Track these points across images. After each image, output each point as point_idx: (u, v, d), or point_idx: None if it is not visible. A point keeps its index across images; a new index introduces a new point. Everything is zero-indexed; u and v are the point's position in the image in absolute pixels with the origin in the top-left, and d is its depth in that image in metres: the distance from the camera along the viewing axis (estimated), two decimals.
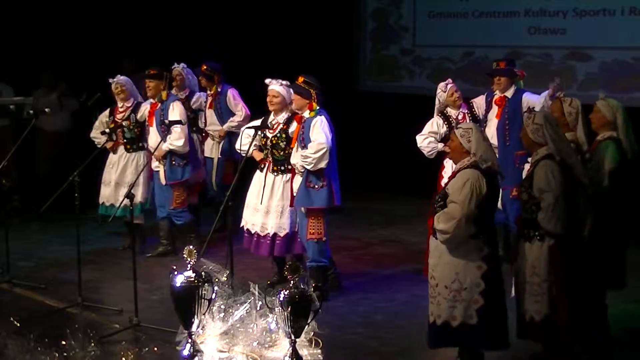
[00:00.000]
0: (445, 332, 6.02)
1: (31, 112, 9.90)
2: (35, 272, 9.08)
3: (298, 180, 7.91)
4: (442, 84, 8.74)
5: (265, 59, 12.25)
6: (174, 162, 9.35)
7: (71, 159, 11.87)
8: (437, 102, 8.74)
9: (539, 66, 11.40)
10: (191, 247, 5.17)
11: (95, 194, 9.71)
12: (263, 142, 8.14)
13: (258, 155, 8.19)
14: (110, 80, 9.74)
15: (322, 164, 7.73)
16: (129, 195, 7.43)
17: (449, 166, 8.56)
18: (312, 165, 7.73)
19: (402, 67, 12.98)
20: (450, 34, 12.32)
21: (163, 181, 9.39)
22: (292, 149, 7.98)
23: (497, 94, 8.79)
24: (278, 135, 8.06)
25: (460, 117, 8.65)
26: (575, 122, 6.69)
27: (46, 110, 9.77)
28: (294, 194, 7.93)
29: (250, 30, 12.96)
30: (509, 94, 8.77)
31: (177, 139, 9.18)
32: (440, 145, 8.60)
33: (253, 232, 8.17)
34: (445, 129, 8.63)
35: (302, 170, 7.83)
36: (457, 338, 6.01)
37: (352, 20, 13.52)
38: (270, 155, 8.12)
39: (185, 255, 5.09)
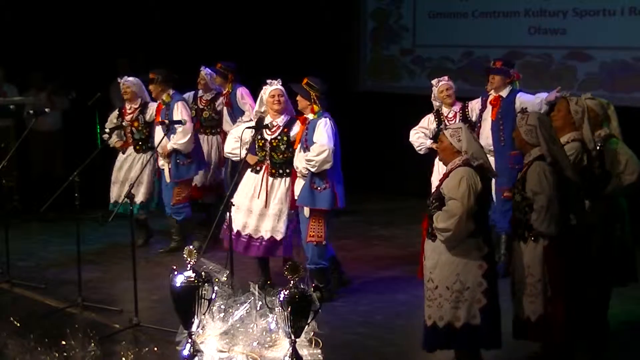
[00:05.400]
0: (447, 334, 5.99)
1: (31, 112, 9.90)
2: (35, 272, 9.09)
3: (300, 183, 7.86)
4: (435, 80, 8.83)
5: (265, 59, 12.24)
6: (178, 161, 9.43)
7: (65, 158, 11.93)
8: (432, 97, 8.85)
9: (539, 66, 11.41)
10: (191, 247, 5.17)
11: (95, 194, 9.74)
12: (261, 144, 8.07)
13: (252, 159, 8.12)
14: (119, 80, 9.80)
15: (327, 166, 7.68)
16: (129, 195, 7.44)
17: (439, 168, 8.61)
18: (316, 167, 7.67)
19: (402, 67, 12.98)
20: (450, 34, 12.32)
21: (168, 179, 9.47)
22: (291, 152, 7.93)
23: (492, 94, 8.79)
24: (279, 137, 8.01)
25: (451, 115, 8.72)
26: (581, 121, 6.72)
27: (46, 110, 9.80)
28: (295, 197, 7.88)
29: (250, 30, 12.96)
30: (504, 94, 8.74)
31: (180, 138, 9.26)
32: (429, 142, 8.71)
33: (245, 233, 8.10)
34: (435, 125, 8.71)
35: (306, 174, 7.78)
36: (459, 339, 5.99)
37: (352, 20, 13.52)
38: (268, 158, 8.05)
39: (185, 255, 5.09)
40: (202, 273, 5.08)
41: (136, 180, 8.79)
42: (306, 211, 7.84)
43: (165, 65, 10.01)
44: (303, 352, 5.02)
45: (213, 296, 5.08)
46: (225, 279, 5.28)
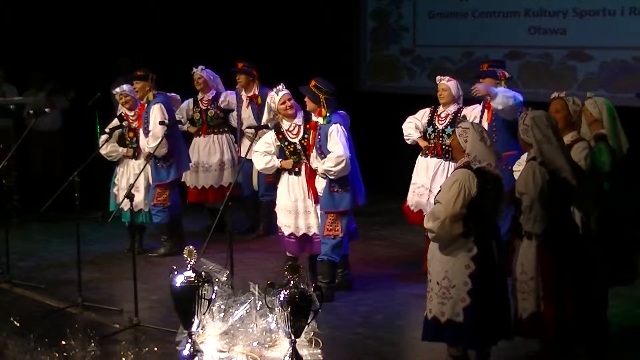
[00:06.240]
0: (435, 327, 6.09)
1: (31, 112, 9.89)
2: (35, 272, 9.09)
3: (321, 181, 7.97)
4: (438, 77, 8.87)
5: (265, 59, 12.23)
6: (158, 164, 9.33)
7: (64, 158, 11.93)
8: None
9: (539, 66, 11.40)
10: (191, 246, 5.17)
11: (95, 194, 9.72)
12: (291, 149, 8.10)
13: (288, 164, 8.12)
14: (114, 92, 9.70)
15: (345, 173, 7.81)
16: (129, 196, 7.43)
17: (419, 164, 8.75)
18: (335, 176, 7.80)
19: (402, 67, 12.98)
20: (450, 34, 12.32)
21: (151, 182, 9.40)
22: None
23: (488, 98, 8.78)
24: (306, 136, 8.06)
25: (443, 115, 8.69)
26: (579, 120, 6.72)
27: (46, 110, 9.78)
28: (319, 192, 7.99)
29: (249, 30, 12.96)
30: None
31: (150, 142, 9.09)
32: (416, 136, 8.74)
33: (299, 234, 8.14)
34: (425, 120, 8.74)
35: (324, 177, 7.89)
36: (446, 334, 6.07)
37: (352, 20, 13.52)
38: (304, 158, 8.09)
39: (185, 255, 5.09)
40: (202, 273, 5.08)
41: (135, 181, 8.76)
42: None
43: (165, 66, 10.00)
44: (303, 352, 5.02)
45: (213, 296, 5.08)
46: (225, 279, 5.28)
